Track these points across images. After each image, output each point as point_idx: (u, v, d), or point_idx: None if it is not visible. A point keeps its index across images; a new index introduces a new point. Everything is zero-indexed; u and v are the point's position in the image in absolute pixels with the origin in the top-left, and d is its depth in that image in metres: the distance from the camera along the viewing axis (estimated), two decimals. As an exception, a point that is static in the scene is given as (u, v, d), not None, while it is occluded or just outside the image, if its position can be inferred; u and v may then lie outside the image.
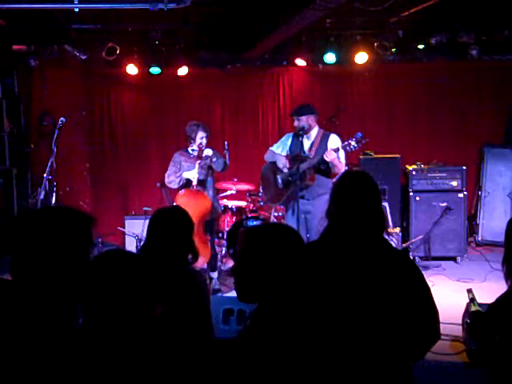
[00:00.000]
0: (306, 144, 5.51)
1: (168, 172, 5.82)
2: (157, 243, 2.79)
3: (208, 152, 5.63)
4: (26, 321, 1.64)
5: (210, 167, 5.78)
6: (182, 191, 5.63)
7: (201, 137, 5.68)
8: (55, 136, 6.12)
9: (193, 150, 5.73)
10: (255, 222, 6.51)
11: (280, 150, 5.70)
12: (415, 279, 2.38)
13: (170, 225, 2.81)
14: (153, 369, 1.78)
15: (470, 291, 2.87)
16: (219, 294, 5.83)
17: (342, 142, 5.23)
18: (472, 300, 2.79)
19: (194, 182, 5.56)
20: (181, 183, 5.72)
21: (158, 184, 6.54)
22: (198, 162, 5.57)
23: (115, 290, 1.81)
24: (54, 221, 1.73)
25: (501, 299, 2.37)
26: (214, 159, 5.68)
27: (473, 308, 2.69)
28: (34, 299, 1.66)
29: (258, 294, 1.91)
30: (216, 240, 6.55)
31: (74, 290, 1.73)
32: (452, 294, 5.71)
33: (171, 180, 5.77)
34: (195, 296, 2.73)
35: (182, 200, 5.42)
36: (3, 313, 1.66)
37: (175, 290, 2.64)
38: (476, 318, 2.56)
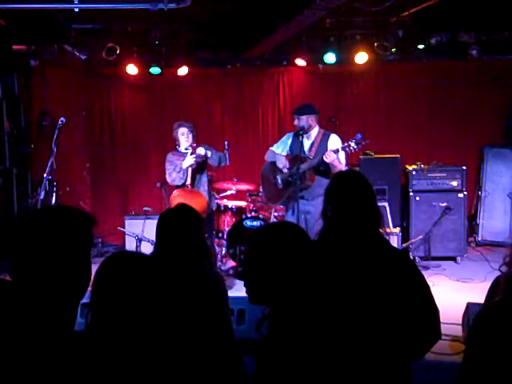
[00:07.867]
0: (306, 144, 5.49)
1: (168, 171, 5.73)
2: (169, 248, 2.69)
3: (200, 151, 5.57)
4: (24, 322, 1.63)
5: (202, 163, 5.71)
6: (176, 191, 5.58)
7: (181, 133, 5.64)
8: (55, 136, 6.13)
9: (186, 149, 5.67)
10: (255, 222, 6.52)
11: (280, 149, 5.69)
12: (415, 278, 2.38)
13: (179, 225, 2.73)
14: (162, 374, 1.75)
15: None
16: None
17: (342, 142, 5.22)
18: None
19: (189, 172, 5.53)
20: (184, 176, 5.62)
21: (158, 184, 6.53)
22: (192, 155, 5.54)
23: (127, 294, 1.73)
24: (54, 221, 1.71)
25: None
26: (209, 155, 5.63)
27: None
28: (33, 300, 1.65)
29: (269, 296, 1.91)
30: (216, 240, 6.55)
31: (74, 291, 1.72)
32: (452, 294, 5.72)
33: (174, 177, 5.65)
34: (217, 304, 2.67)
35: (178, 200, 5.40)
36: (1, 314, 1.65)
37: (197, 302, 2.55)
38: None
